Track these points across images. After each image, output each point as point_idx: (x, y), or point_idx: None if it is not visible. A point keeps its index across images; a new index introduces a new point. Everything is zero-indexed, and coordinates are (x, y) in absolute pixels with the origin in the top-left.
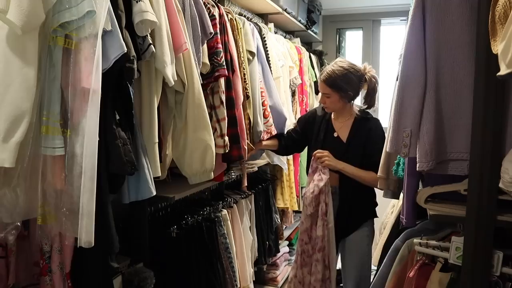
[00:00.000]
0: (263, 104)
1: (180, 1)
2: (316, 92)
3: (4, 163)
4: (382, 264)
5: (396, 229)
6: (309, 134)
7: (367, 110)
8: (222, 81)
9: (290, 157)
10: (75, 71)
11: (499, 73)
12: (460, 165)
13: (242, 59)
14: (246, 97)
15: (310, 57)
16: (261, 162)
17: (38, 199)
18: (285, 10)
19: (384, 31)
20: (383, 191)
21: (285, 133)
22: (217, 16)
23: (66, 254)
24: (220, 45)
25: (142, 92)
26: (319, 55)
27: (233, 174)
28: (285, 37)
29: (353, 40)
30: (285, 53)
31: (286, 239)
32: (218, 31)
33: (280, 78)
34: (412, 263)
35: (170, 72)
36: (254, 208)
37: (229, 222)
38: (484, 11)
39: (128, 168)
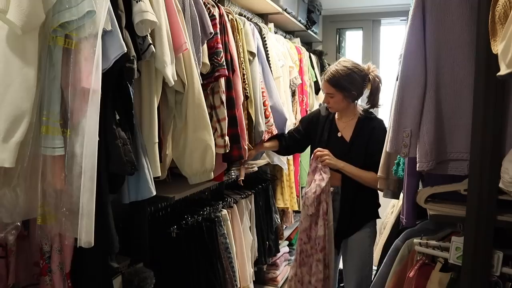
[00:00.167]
0: (264, 104)
1: (180, 1)
2: (316, 92)
3: (4, 163)
4: (382, 264)
5: (396, 229)
6: (312, 134)
7: (371, 110)
8: (222, 81)
9: (290, 157)
10: (75, 71)
11: (499, 73)
12: (460, 165)
13: (243, 59)
14: (246, 97)
15: (310, 57)
16: (261, 162)
17: (38, 199)
18: (285, 10)
19: (384, 31)
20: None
21: (287, 133)
22: (217, 16)
23: (66, 254)
24: (220, 45)
25: (142, 92)
26: (319, 55)
27: (233, 174)
28: (285, 37)
29: (353, 40)
30: (285, 53)
31: (286, 239)
32: (218, 31)
33: (280, 78)
34: (412, 263)
35: (170, 72)
36: (254, 208)
37: (229, 222)
38: (484, 11)
39: (128, 168)
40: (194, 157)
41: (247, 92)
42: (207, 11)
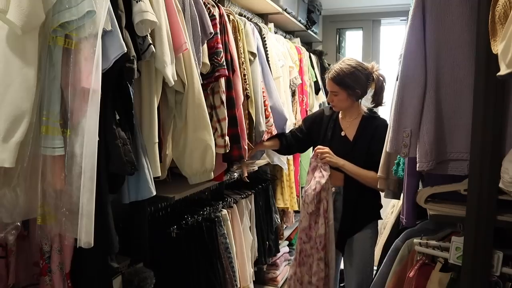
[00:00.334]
0: (264, 104)
1: (180, 1)
2: (316, 92)
3: (4, 163)
4: (382, 264)
5: (396, 229)
6: (314, 133)
7: (374, 109)
8: (222, 81)
9: (290, 157)
10: (75, 71)
11: (499, 73)
12: (460, 165)
13: (243, 59)
14: (246, 97)
15: (310, 57)
16: (261, 162)
17: (38, 199)
18: (285, 10)
19: (384, 31)
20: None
21: (289, 132)
22: (217, 16)
23: (66, 254)
24: (220, 45)
25: (142, 92)
26: (319, 55)
27: (235, 174)
28: (285, 37)
29: (353, 40)
30: (285, 53)
31: (286, 239)
32: (218, 31)
33: (280, 78)
34: (412, 263)
35: (170, 72)
36: (254, 208)
37: (229, 222)
38: (484, 11)
39: (128, 168)
40: (194, 157)
41: (248, 92)
42: (207, 11)
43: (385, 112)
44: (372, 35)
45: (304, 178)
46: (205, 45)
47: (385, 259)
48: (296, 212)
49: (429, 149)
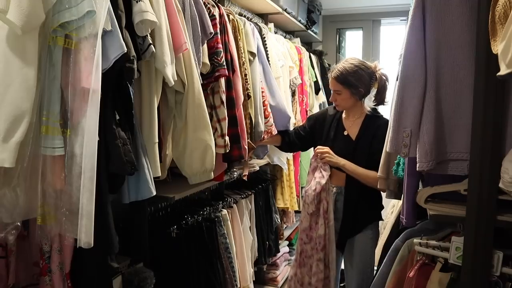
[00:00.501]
0: (263, 104)
1: (180, 1)
2: (316, 92)
3: (4, 163)
4: (382, 264)
5: (396, 229)
6: (317, 133)
7: (377, 109)
8: (222, 81)
9: (290, 157)
10: (75, 71)
11: (499, 73)
12: (460, 165)
13: (243, 59)
14: (248, 97)
15: (310, 57)
16: (261, 162)
17: (38, 199)
18: (285, 10)
19: (384, 31)
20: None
21: (292, 130)
22: (217, 16)
23: (66, 254)
24: (220, 45)
25: (142, 92)
26: (319, 55)
27: (235, 174)
28: (285, 37)
29: (353, 40)
30: (285, 53)
31: (286, 239)
32: (218, 31)
33: (280, 78)
34: (412, 263)
35: (170, 72)
36: (254, 208)
37: (229, 222)
38: (484, 11)
39: (128, 168)
40: (194, 157)
41: (249, 92)
42: (207, 11)
43: (386, 112)
44: (372, 35)
45: (304, 178)
46: (205, 45)
47: (385, 259)
48: (296, 212)
49: (429, 149)
